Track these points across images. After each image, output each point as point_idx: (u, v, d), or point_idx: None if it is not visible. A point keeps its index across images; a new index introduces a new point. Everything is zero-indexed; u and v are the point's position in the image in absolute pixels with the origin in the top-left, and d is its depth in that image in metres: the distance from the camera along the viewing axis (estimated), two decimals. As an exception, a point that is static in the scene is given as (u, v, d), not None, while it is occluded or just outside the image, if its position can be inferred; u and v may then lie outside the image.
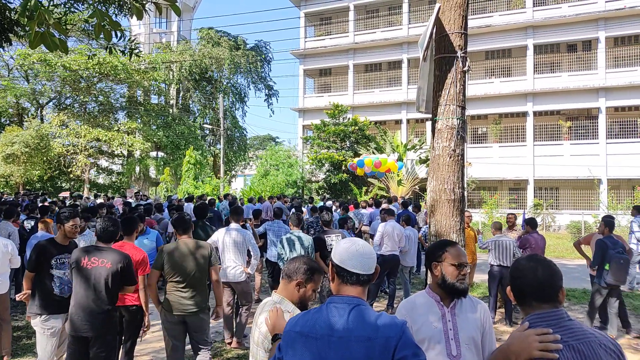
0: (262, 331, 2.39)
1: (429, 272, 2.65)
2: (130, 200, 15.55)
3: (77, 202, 14.90)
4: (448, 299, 2.47)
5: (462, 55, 3.63)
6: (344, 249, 1.95)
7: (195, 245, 4.45)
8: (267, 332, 2.35)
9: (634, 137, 23.42)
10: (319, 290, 2.48)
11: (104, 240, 4.06)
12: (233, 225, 6.16)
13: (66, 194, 25.37)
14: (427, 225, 4.11)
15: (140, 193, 18.78)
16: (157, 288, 4.53)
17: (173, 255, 4.35)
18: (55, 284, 4.25)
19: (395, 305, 7.91)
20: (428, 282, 2.65)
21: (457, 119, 3.67)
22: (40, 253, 4.25)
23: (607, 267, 6.32)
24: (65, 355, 4.18)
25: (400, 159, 22.12)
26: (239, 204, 14.05)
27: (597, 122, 23.79)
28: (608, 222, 6.82)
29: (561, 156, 23.95)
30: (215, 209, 12.36)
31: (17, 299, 4.43)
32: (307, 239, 6.33)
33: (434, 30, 3.71)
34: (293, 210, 9.33)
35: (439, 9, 3.64)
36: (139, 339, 4.76)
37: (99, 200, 16.51)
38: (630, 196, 21.13)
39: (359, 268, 1.90)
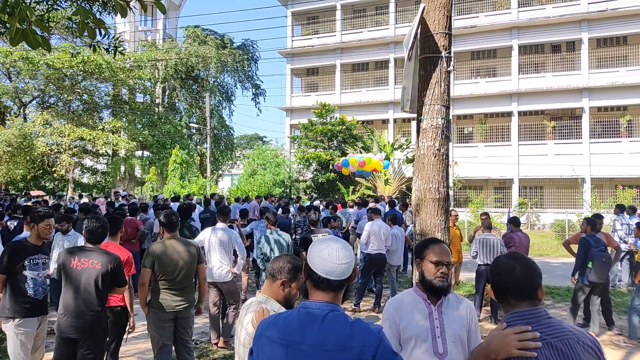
0: (248, 332, 2.38)
1: (415, 270, 2.67)
2: (112, 200, 15.36)
3: (61, 202, 14.69)
4: (435, 297, 2.49)
5: (446, 55, 3.66)
6: (316, 252, 1.83)
7: (183, 244, 4.47)
8: (253, 333, 2.34)
9: (617, 136, 23.84)
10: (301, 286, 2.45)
11: (93, 241, 4.01)
12: (219, 225, 6.15)
13: (37, 192, 24.90)
14: (413, 224, 4.15)
15: (122, 193, 18.49)
16: (147, 288, 4.49)
17: (162, 255, 4.35)
18: (29, 286, 4.10)
19: (382, 304, 7.95)
20: (414, 281, 2.67)
21: (441, 118, 3.70)
22: (13, 253, 4.08)
23: (589, 265, 6.43)
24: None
25: (387, 158, 22.21)
26: (226, 204, 13.96)
27: (581, 122, 24.16)
28: (590, 221, 6.94)
29: (545, 155, 24.27)
30: (211, 208, 12.24)
31: None
32: (286, 237, 6.33)
33: (419, 30, 3.73)
34: (271, 210, 9.28)
35: (424, 9, 3.67)
36: (123, 340, 4.72)
37: (83, 200, 16.29)
38: (613, 195, 21.48)
39: (331, 274, 1.78)
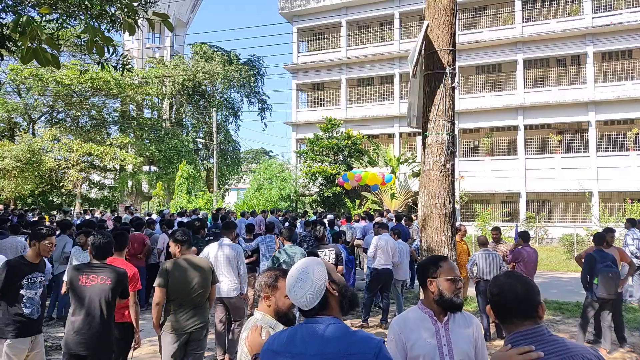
0: (244, 350, 2.41)
1: (421, 287, 2.64)
2: (121, 215, 15.42)
3: (67, 218, 14.77)
4: (442, 314, 2.47)
5: (450, 71, 3.67)
6: (286, 286, 1.97)
7: (197, 262, 4.41)
8: (247, 351, 2.37)
9: (624, 150, 23.68)
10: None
11: (100, 257, 4.01)
12: (225, 240, 6.13)
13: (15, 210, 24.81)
14: (420, 239, 4.12)
15: (129, 208, 18.51)
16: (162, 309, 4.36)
17: (177, 273, 4.23)
18: (25, 305, 3.99)
19: (389, 320, 7.87)
20: (420, 297, 2.65)
21: (446, 134, 3.70)
22: (12, 273, 3.97)
23: (595, 281, 6.33)
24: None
25: (393, 172, 22.18)
26: (231, 219, 13.98)
27: (588, 136, 24.06)
28: (596, 236, 6.83)
29: (552, 169, 24.13)
30: (220, 223, 12.22)
31: None
32: (301, 252, 6.23)
33: (423, 47, 3.76)
34: (286, 224, 9.30)
35: (427, 26, 3.70)
36: (128, 357, 4.70)
37: (87, 217, 16.33)
38: (621, 209, 21.28)
39: (304, 306, 1.87)
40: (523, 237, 7.56)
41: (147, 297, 9.26)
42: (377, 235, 8.09)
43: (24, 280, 4.01)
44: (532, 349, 1.64)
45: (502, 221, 22.41)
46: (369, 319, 8.03)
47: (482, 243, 7.62)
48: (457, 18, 3.74)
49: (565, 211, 24.07)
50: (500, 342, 6.96)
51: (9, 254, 7.56)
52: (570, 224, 21.33)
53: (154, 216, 14.51)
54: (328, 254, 6.69)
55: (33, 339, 4.10)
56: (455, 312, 2.49)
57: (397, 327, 2.52)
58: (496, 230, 8.36)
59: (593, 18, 24.01)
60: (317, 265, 1.94)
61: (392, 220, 12.16)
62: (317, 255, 6.66)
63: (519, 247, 7.49)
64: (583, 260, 6.98)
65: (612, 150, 23.99)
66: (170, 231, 9.32)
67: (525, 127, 25.21)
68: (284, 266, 6.07)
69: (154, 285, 4.24)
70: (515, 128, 25.44)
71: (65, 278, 3.99)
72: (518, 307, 1.77)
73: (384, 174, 20.29)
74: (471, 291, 9.68)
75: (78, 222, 12.40)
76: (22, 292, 4.00)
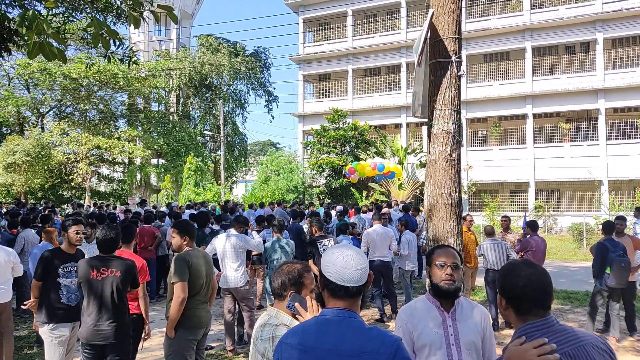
0: (259, 349, 2.32)
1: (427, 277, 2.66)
2: (130, 208, 15.53)
3: (81, 211, 14.91)
4: (448, 304, 2.47)
5: (456, 60, 3.64)
6: (330, 261, 1.83)
7: (204, 255, 4.32)
8: (264, 350, 2.27)
9: (634, 137, 23.40)
10: (313, 289, 2.39)
11: (108, 251, 4.07)
12: (232, 231, 6.21)
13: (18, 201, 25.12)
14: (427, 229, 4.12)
15: (137, 200, 18.61)
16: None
17: (196, 268, 4.02)
18: (62, 293, 4.32)
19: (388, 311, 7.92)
20: (427, 287, 2.66)
21: (452, 123, 3.68)
22: (48, 263, 4.30)
23: (608, 270, 6.29)
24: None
25: (400, 163, 22.13)
26: (240, 211, 14.04)
27: (597, 124, 23.80)
28: (606, 225, 6.78)
29: (561, 158, 23.93)
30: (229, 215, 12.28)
31: (24, 307, 4.48)
32: (291, 244, 6.49)
33: (429, 35, 3.73)
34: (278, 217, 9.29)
35: (433, 14, 3.67)
36: (139, 348, 4.76)
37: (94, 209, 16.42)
38: (631, 197, 21.09)
39: (347, 281, 1.78)
40: (531, 226, 7.54)
41: (157, 289, 9.36)
42: (371, 227, 8.06)
43: (60, 269, 4.33)
44: (545, 342, 1.63)
45: (511, 211, 22.32)
46: (372, 312, 8.05)
47: (489, 233, 7.61)
48: (463, 5, 3.71)
49: (575, 200, 23.89)
50: (508, 332, 6.96)
51: (26, 247, 7.70)
52: (580, 213, 21.17)
53: (163, 208, 14.57)
54: (327, 243, 6.70)
55: (73, 325, 4.38)
56: (461, 302, 2.49)
57: (404, 317, 2.53)
58: (505, 218, 8.35)
59: (603, 4, 23.62)
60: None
61: (400, 211, 12.14)
62: (315, 243, 6.69)
63: (527, 236, 7.47)
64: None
65: (622, 138, 23.72)
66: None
67: (534, 115, 24.98)
68: (281, 253, 6.23)
69: (173, 280, 3.90)
70: (523, 117, 25.22)
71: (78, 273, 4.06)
72: (543, 298, 1.74)
73: (376, 164, 20.10)
74: (479, 281, 9.70)
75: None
76: (59, 280, 4.32)
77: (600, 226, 7.09)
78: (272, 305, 2.46)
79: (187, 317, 3.93)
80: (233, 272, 5.98)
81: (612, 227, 6.67)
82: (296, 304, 2.20)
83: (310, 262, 6.51)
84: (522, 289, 1.75)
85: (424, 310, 2.51)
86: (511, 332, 6.95)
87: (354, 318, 1.77)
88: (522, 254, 7.21)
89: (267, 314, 2.43)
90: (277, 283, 2.36)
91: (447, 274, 2.42)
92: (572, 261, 13.83)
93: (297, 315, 2.21)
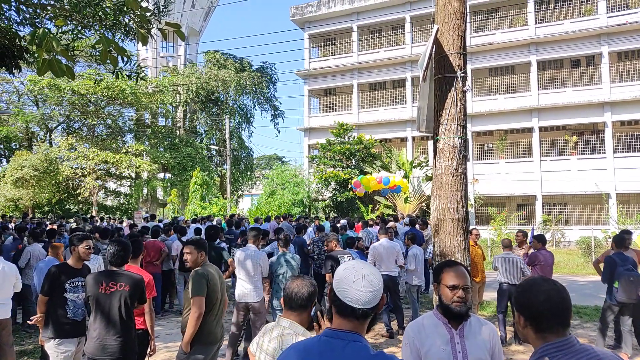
0: (269, 352, 2.35)
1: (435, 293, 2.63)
2: (137, 222, 15.57)
3: (86, 225, 14.95)
4: (455, 321, 2.44)
5: (461, 75, 3.65)
6: (342, 277, 1.73)
7: (217, 270, 4.32)
8: (274, 351, 2.31)
9: (642, 150, 23.26)
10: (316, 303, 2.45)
11: (117, 264, 4.09)
12: (250, 246, 6.24)
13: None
14: (433, 244, 4.10)
15: (144, 215, 18.68)
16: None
17: (213, 283, 4.04)
18: (69, 308, 4.34)
19: (404, 326, 7.81)
20: (435, 303, 2.63)
21: (458, 137, 3.68)
22: (54, 278, 4.33)
23: (616, 284, 6.21)
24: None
25: (406, 176, 22.10)
26: (247, 225, 14.06)
27: (604, 137, 23.69)
28: (616, 238, 6.72)
29: (568, 171, 23.80)
30: (234, 229, 12.28)
31: (31, 322, 4.49)
32: (297, 259, 6.46)
33: (433, 51, 3.75)
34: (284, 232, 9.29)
35: (437, 30, 3.69)
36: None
37: (103, 223, 16.49)
38: (639, 210, 20.91)
39: (355, 302, 1.67)
40: (539, 240, 7.47)
41: (162, 304, 9.33)
42: (377, 241, 8.02)
43: (66, 284, 4.35)
44: None
45: (518, 224, 22.15)
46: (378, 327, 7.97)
47: (506, 246, 7.55)
48: (467, 21, 3.73)
49: (582, 213, 23.69)
50: (516, 348, 6.86)
51: (32, 262, 7.72)
52: (588, 227, 20.98)
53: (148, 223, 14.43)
54: (347, 258, 6.68)
55: (80, 339, 4.39)
56: (469, 320, 2.46)
57: (412, 333, 2.50)
58: (520, 233, 8.28)
59: (608, 17, 23.69)
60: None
61: (407, 225, 12.09)
62: (337, 259, 6.68)
63: (535, 250, 7.40)
64: (602, 264, 6.87)
65: (630, 151, 23.57)
66: (185, 238, 9.41)
67: (540, 128, 24.92)
68: (286, 267, 6.21)
69: (192, 295, 3.92)
70: (530, 130, 25.17)
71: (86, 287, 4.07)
72: (563, 314, 1.70)
73: (382, 177, 20.07)
74: (487, 295, 9.59)
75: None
76: (66, 295, 4.34)
77: (610, 240, 7.01)
78: (281, 316, 2.47)
79: (203, 332, 3.95)
80: (251, 288, 6.00)
81: (624, 241, 6.60)
82: (318, 313, 2.22)
83: (328, 276, 6.54)
84: (542, 304, 1.70)
85: (431, 326, 2.48)
86: (520, 347, 6.85)
87: (359, 342, 1.67)
88: (530, 268, 7.15)
89: (279, 324, 2.43)
90: (304, 294, 2.41)
91: (458, 297, 2.39)
92: (580, 275, 13.66)
93: (314, 323, 2.23)
